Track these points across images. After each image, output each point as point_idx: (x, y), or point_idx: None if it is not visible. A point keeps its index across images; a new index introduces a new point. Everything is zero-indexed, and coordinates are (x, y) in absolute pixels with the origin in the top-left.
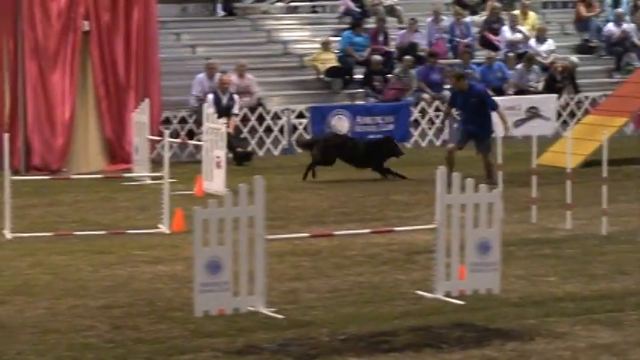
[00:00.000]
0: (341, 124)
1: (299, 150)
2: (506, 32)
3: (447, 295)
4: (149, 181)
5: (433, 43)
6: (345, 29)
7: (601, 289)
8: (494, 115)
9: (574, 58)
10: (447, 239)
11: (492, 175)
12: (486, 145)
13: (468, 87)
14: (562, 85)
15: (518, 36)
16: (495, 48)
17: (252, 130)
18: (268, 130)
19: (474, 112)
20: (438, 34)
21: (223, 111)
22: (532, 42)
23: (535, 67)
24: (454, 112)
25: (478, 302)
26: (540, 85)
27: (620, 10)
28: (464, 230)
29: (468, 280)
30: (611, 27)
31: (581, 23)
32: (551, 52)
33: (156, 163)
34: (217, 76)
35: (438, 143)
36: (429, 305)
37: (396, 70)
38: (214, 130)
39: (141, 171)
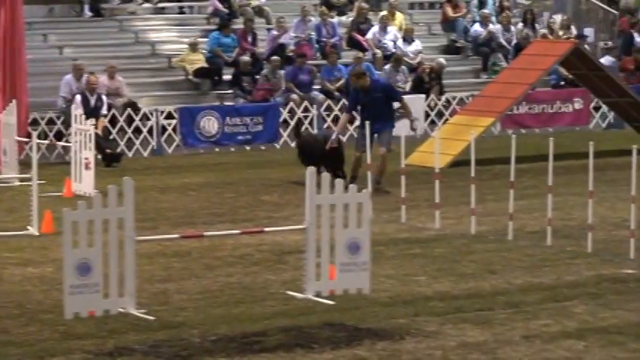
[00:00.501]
0: (210, 124)
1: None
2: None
3: (318, 295)
4: (17, 183)
5: (300, 43)
6: (213, 30)
7: (470, 288)
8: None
9: (441, 59)
10: (317, 239)
11: (383, 173)
12: (389, 137)
13: (370, 83)
14: (430, 85)
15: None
16: (363, 49)
17: (121, 131)
18: (137, 131)
19: (379, 108)
20: (305, 34)
21: (91, 112)
22: (400, 42)
23: (403, 67)
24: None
25: (348, 302)
26: (408, 86)
27: (485, 11)
28: (334, 230)
29: (338, 280)
30: (477, 28)
31: (448, 24)
32: (419, 52)
33: (24, 165)
34: (85, 77)
35: None
36: (299, 305)
37: (265, 71)
38: (82, 132)
39: (9, 173)
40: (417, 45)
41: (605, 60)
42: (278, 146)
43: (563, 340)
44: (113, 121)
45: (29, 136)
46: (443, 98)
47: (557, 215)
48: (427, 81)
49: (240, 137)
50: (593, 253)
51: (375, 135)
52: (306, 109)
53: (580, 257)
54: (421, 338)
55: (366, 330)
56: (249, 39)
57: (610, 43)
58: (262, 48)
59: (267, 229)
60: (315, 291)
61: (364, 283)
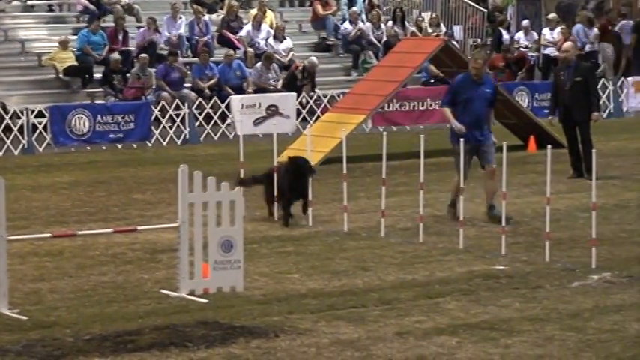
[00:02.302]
0: (81, 123)
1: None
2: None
3: (191, 293)
4: None
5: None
6: (83, 28)
7: (343, 285)
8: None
9: (313, 58)
10: (190, 238)
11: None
12: (494, 151)
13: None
14: (302, 83)
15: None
16: (234, 46)
17: None
18: (8, 130)
19: (483, 109)
20: (176, 32)
21: None
22: (271, 40)
23: (274, 65)
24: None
25: (222, 300)
26: (280, 83)
27: (355, 9)
28: (207, 228)
29: (211, 279)
30: (347, 25)
31: (318, 22)
32: (290, 50)
33: None
34: None
35: (179, 142)
36: (173, 304)
37: (135, 69)
38: None
39: None
40: (287, 43)
41: None
42: (150, 144)
43: (436, 337)
44: None
45: None
46: (314, 95)
47: (428, 212)
48: (299, 78)
49: (111, 135)
50: (465, 249)
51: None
52: (177, 107)
53: (452, 253)
54: (295, 336)
55: (241, 328)
56: (120, 37)
57: (479, 41)
58: (132, 46)
59: (140, 227)
60: (189, 289)
61: (238, 281)
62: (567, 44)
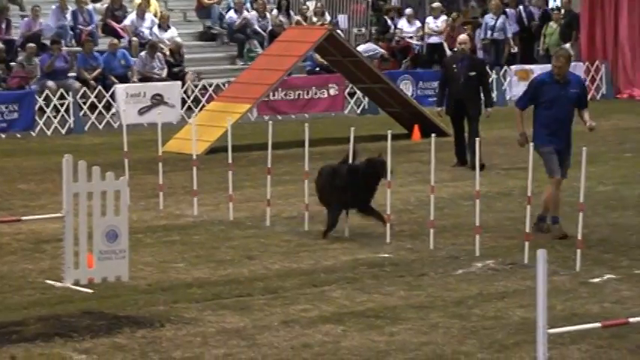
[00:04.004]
0: None
1: None
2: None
3: (76, 283)
4: None
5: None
6: None
7: (229, 274)
8: None
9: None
10: (75, 228)
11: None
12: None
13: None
14: (183, 71)
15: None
16: (118, 35)
17: None
18: None
19: (569, 114)
20: (62, 21)
21: None
22: (155, 29)
23: (159, 54)
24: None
25: (107, 290)
26: (164, 72)
27: None
28: (91, 218)
29: (96, 268)
30: (232, 14)
31: (203, 11)
32: (174, 39)
33: None
34: None
35: (63, 132)
36: (58, 294)
37: (20, 59)
38: None
39: None
40: (172, 32)
41: (368, 46)
42: (34, 134)
43: (321, 325)
44: None
45: None
46: (200, 84)
47: (313, 200)
48: (173, 63)
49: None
50: (350, 237)
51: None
52: (62, 97)
53: (337, 242)
54: (181, 325)
55: (126, 318)
56: (3, 26)
57: (363, 30)
58: (16, 35)
59: (24, 217)
60: (74, 279)
61: (123, 271)
62: (463, 36)
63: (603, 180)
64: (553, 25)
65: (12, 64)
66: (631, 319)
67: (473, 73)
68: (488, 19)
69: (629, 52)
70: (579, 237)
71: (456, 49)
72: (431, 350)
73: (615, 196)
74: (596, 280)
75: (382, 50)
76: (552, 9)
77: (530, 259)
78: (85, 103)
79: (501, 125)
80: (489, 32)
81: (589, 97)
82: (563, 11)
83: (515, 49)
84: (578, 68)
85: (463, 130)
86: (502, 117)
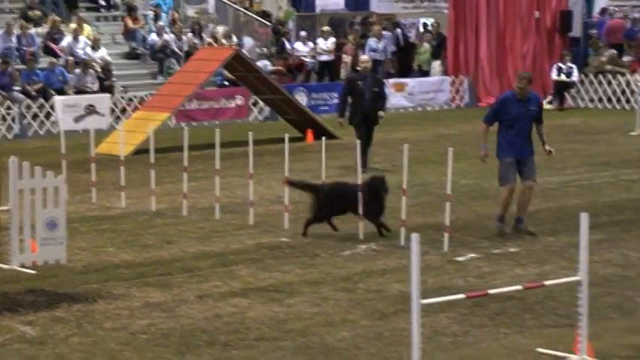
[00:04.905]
0: None
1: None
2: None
3: (22, 266)
4: None
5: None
6: None
7: (152, 256)
8: None
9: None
10: (20, 219)
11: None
12: (534, 166)
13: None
14: (112, 85)
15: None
16: (57, 55)
17: None
18: None
19: (528, 126)
20: (8, 43)
21: None
22: (88, 50)
23: (91, 71)
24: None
25: (48, 271)
26: (96, 86)
27: (160, 22)
28: (34, 210)
29: (39, 253)
30: (153, 37)
31: (129, 34)
32: (104, 58)
33: None
34: None
35: (10, 137)
36: (6, 275)
37: None
38: None
39: None
40: (102, 52)
41: (262, 64)
42: None
43: (230, 299)
44: None
45: None
46: (127, 96)
47: (223, 194)
48: (103, 78)
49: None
50: (255, 225)
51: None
52: (8, 107)
53: (243, 229)
54: (111, 300)
55: (64, 294)
56: None
57: (265, 50)
58: None
59: None
60: (20, 262)
61: (61, 255)
62: (365, 57)
63: (466, 174)
64: (425, 45)
65: None
66: (490, 291)
67: (376, 89)
68: (371, 42)
69: (487, 68)
70: (447, 222)
71: (359, 68)
72: (323, 319)
73: (476, 188)
74: (461, 258)
75: (271, 66)
76: (424, 32)
77: (406, 241)
78: (28, 113)
79: (385, 129)
80: (372, 53)
81: (454, 105)
82: (433, 33)
83: (392, 70)
84: (445, 82)
85: (369, 138)
86: (384, 122)
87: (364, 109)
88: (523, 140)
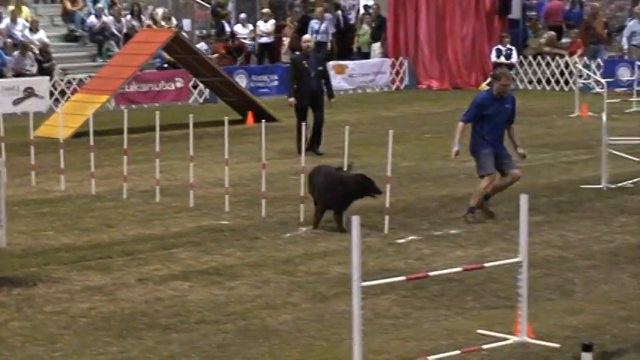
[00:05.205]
0: None
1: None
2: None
3: None
4: None
5: None
6: None
7: (92, 240)
8: None
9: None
10: None
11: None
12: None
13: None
14: (51, 68)
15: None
16: None
17: None
18: None
19: (503, 124)
20: None
21: None
22: (27, 32)
23: (30, 53)
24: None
25: None
26: (35, 69)
27: (99, 4)
28: None
29: None
30: (92, 19)
31: (67, 16)
32: (43, 40)
33: None
34: None
35: None
36: None
37: None
38: None
39: None
40: (41, 34)
41: (200, 46)
42: None
43: (171, 282)
44: None
45: None
46: (65, 79)
47: (164, 177)
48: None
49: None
50: (195, 207)
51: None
52: None
53: (184, 211)
54: (51, 284)
55: (3, 278)
56: None
57: (204, 32)
58: None
59: None
60: None
61: (1, 239)
62: (307, 36)
63: (406, 157)
64: (365, 27)
65: None
66: (430, 273)
67: (320, 68)
68: (313, 23)
69: (427, 50)
70: (387, 205)
71: (302, 47)
72: (264, 301)
73: (417, 170)
74: (402, 240)
75: (206, 47)
76: (364, 14)
77: (346, 223)
78: None
79: (325, 111)
80: (315, 35)
81: (394, 87)
82: (373, 15)
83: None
84: (385, 63)
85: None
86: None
87: (311, 87)
88: (498, 137)
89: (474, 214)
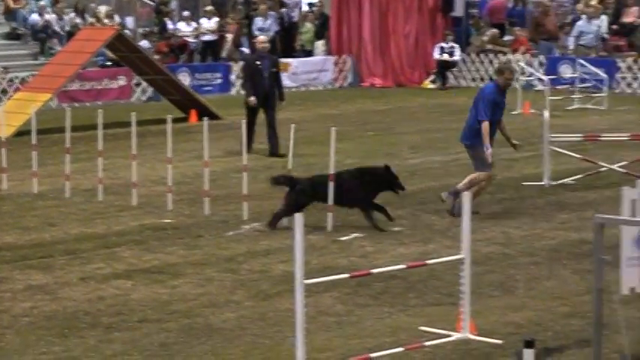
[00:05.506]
0: None
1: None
2: None
3: None
4: None
5: None
6: None
7: (33, 239)
8: None
9: None
10: None
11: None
12: None
13: None
14: None
15: None
16: None
17: None
18: None
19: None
20: None
21: None
22: None
23: None
24: None
25: None
26: None
27: (42, 2)
28: None
29: None
30: (35, 17)
31: (10, 14)
32: None
33: None
34: None
35: None
36: None
37: None
38: None
39: None
40: None
41: (143, 44)
42: None
43: (113, 280)
44: None
45: None
46: (7, 77)
47: (106, 175)
48: None
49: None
50: (138, 206)
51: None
52: None
53: (126, 210)
54: None
55: None
56: None
57: (147, 30)
58: None
59: None
60: None
61: None
62: (263, 37)
63: (350, 154)
64: (307, 25)
65: None
66: (373, 270)
67: (274, 69)
68: (258, 21)
69: (371, 48)
70: (330, 202)
71: (255, 48)
72: (207, 300)
73: None
74: (345, 238)
75: (149, 45)
76: (308, 11)
77: (290, 221)
78: None
79: (294, 109)
80: (259, 32)
81: (337, 85)
82: (316, 13)
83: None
84: (329, 61)
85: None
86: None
87: (264, 88)
88: (495, 131)
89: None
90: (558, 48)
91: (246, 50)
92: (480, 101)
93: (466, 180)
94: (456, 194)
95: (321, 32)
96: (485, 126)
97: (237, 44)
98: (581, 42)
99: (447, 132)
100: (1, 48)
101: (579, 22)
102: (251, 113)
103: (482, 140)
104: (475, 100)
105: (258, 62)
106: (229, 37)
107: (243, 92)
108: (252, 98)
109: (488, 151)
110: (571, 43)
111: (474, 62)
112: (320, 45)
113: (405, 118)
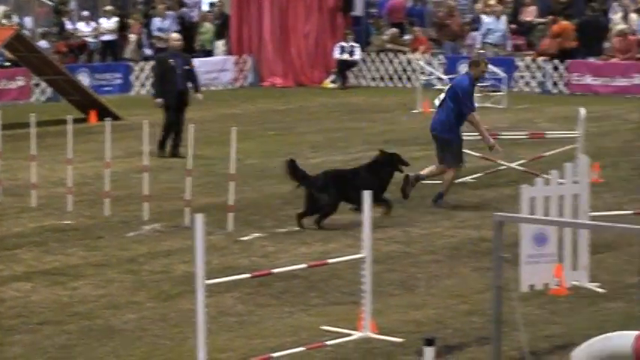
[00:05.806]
0: None
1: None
2: None
3: None
4: None
5: None
6: None
7: None
8: None
9: None
10: None
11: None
12: None
13: None
14: None
15: None
16: None
17: None
18: None
19: None
20: None
21: None
22: None
23: None
24: None
25: None
26: None
27: None
28: None
29: None
30: None
31: None
32: None
33: None
34: None
35: None
36: None
37: None
38: None
39: None
40: None
41: (42, 44)
42: None
43: (13, 283)
44: None
45: None
46: None
47: (5, 176)
48: None
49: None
50: (37, 207)
51: None
52: None
53: (26, 212)
54: None
55: None
56: None
57: (46, 29)
58: None
59: None
60: None
61: None
62: (175, 35)
63: (251, 154)
64: (207, 25)
65: None
66: (274, 270)
67: (187, 67)
68: (156, 21)
69: (271, 47)
70: (231, 202)
71: (162, 46)
72: (107, 301)
73: (261, 168)
74: (246, 238)
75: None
76: (207, 11)
77: (190, 221)
78: None
79: (195, 108)
80: (158, 32)
81: (238, 85)
82: (217, 13)
83: None
84: (229, 61)
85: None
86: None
87: (178, 86)
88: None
89: (445, 201)
90: (463, 47)
91: (147, 50)
92: (458, 95)
93: (427, 170)
94: (417, 179)
95: (221, 32)
96: (476, 117)
97: (139, 44)
98: (488, 40)
99: (347, 131)
100: None
101: (487, 20)
102: (169, 113)
103: (458, 135)
104: (450, 94)
105: (171, 60)
106: (133, 37)
107: (152, 92)
108: (159, 100)
109: (492, 141)
110: (477, 41)
111: (374, 62)
112: (220, 45)
113: (306, 118)
